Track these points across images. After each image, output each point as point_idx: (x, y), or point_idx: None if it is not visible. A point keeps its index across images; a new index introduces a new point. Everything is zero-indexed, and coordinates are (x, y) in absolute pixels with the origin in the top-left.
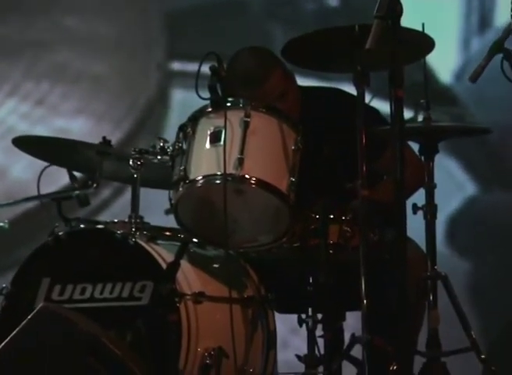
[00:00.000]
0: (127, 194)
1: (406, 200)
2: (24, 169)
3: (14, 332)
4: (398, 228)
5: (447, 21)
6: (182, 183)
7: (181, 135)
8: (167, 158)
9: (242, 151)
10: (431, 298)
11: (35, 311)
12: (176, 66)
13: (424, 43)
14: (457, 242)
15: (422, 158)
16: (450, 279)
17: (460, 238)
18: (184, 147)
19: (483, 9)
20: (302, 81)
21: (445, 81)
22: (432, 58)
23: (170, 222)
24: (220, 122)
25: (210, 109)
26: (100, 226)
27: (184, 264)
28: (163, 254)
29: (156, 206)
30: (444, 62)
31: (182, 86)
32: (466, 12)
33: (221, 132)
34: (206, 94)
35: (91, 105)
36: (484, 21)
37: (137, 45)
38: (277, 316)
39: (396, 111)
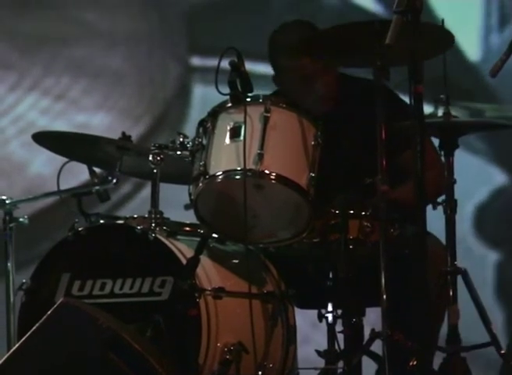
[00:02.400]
0: (147, 190)
1: (427, 204)
2: (44, 164)
3: (34, 327)
4: (418, 223)
5: (467, 17)
6: (202, 179)
7: (201, 130)
8: (187, 153)
9: (262, 147)
10: (451, 293)
11: (55, 306)
12: (196, 61)
13: (444, 38)
14: (486, 234)
15: (442, 153)
16: (478, 271)
17: (489, 230)
18: (204, 142)
19: (503, 7)
20: None
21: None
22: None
23: (190, 217)
24: (240, 117)
25: (230, 105)
26: (120, 222)
27: (204, 259)
28: (183, 249)
29: (176, 202)
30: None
31: (202, 81)
32: (486, 8)
33: (241, 127)
34: (226, 90)
35: (111, 100)
36: (504, 18)
37: (157, 40)
38: (298, 311)
39: (416, 106)
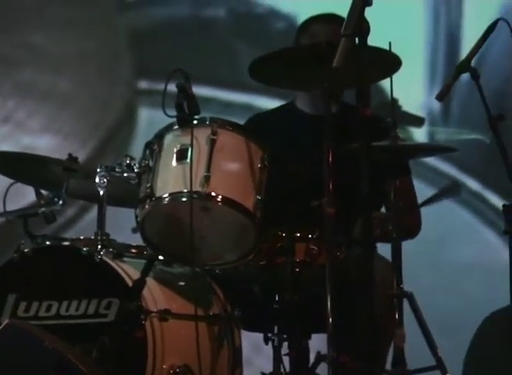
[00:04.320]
0: (94, 212)
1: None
2: None
3: None
4: (365, 246)
5: (414, 40)
6: (148, 201)
7: (147, 152)
8: (133, 175)
9: (208, 169)
10: (397, 316)
11: (1, 327)
12: (143, 84)
13: (391, 62)
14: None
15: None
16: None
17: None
18: (151, 164)
19: (450, 27)
20: (269, 100)
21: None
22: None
23: (137, 240)
24: (187, 139)
25: (176, 127)
26: (66, 243)
27: (150, 281)
28: (129, 271)
29: (122, 224)
30: (412, 82)
31: (149, 104)
32: (433, 30)
33: (187, 149)
34: (173, 112)
35: (58, 122)
36: (451, 39)
37: (104, 63)
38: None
39: (363, 129)
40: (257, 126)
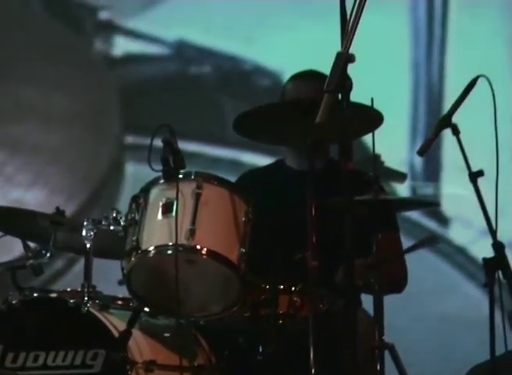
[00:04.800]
0: (82, 264)
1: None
2: None
3: None
4: (348, 298)
5: (396, 96)
6: (134, 253)
7: (134, 206)
8: (120, 228)
9: (193, 222)
10: (378, 367)
11: None
12: (130, 139)
13: (373, 117)
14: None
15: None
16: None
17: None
18: (137, 217)
19: (431, 84)
20: (255, 155)
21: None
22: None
23: (124, 292)
24: (172, 193)
25: (162, 181)
26: (53, 295)
27: (136, 333)
28: (115, 322)
29: (109, 276)
30: (394, 138)
31: (136, 159)
32: (414, 87)
33: (173, 203)
34: (159, 167)
35: (46, 176)
36: (432, 95)
37: (92, 119)
38: None
39: (345, 183)
40: (249, 183)
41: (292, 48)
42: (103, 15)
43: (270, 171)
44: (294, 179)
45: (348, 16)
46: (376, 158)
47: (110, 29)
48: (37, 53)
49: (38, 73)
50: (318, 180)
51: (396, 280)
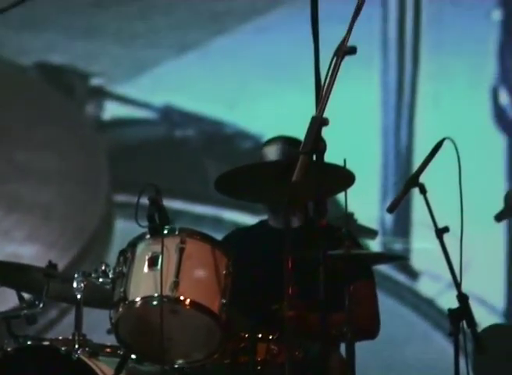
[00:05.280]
0: (73, 314)
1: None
2: None
3: None
4: (322, 345)
5: (368, 157)
6: (122, 304)
7: (121, 259)
8: (108, 280)
9: (177, 275)
10: None
11: None
12: (120, 197)
13: (345, 177)
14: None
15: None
16: None
17: None
18: (124, 270)
19: (400, 145)
20: (236, 213)
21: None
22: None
23: (112, 340)
24: (157, 248)
25: (148, 236)
26: (45, 343)
27: None
28: (104, 368)
29: (98, 325)
30: (366, 196)
31: (124, 216)
32: (384, 148)
33: (158, 257)
34: (145, 223)
35: (41, 232)
36: (401, 156)
37: (84, 178)
38: None
39: (321, 238)
40: (235, 240)
41: (272, 113)
42: (94, 81)
43: (254, 230)
44: (274, 236)
45: (322, 82)
46: (349, 215)
47: (101, 94)
48: (32, 117)
49: (32, 135)
50: (295, 237)
51: (368, 327)
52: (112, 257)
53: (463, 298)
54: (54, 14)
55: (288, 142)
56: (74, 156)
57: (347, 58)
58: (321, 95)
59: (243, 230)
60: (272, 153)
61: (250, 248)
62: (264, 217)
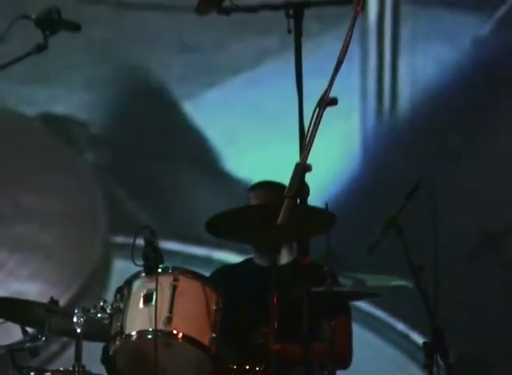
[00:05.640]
0: (74, 347)
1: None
2: None
3: None
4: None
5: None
6: (118, 338)
7: (118, 296)
8: (106, 315)
9: (171, 311)
10: None
11: None
12: (117, 239)
13: (327, 219)
14: None
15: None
16: None
17: None
18: (121, 306)
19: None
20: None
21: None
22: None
23: None
24: (152, 285)
25: (144, 274)
26: (47, 374)
27: None
28: None
29: (97, 357)
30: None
31: (122, 256)
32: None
33: (152, 294)
34: (141, 262)
35: (43, 271)
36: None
37: (84, 221)
38: None
39: (304, 276)
40: (221, 277)
41: (259, 161)
42: (94, 129)
43: (240, 267)
44: (260, 274)
45: (306, 132)
46: (332, 254)
47: (99, 141)
48: (36, 163)
49: (36, 180)
50: (281, 274)
51: (344, 358)
52: (111, 294)
53: (437, 331)
54: (55, 68)
55: (272, 187)
56: (74, 201)
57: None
58: (305, 144)
59: (229, 267)
60: (258, 197)
61: (236, 284)
62: (251, 255)
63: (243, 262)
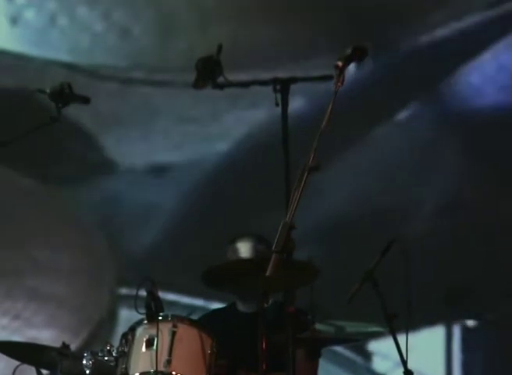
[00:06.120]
0: None
1: None
2: (2, 367)
3: None
4: None
5: None
6: None
7: (123, 341)
8: (112, 358)
9: (170, 354)
10: None
11: None
12: (123, 290)
13: (310, 272)
14: None
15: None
16: None
17: None
18: (125, 350)
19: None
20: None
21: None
22: None
23: None
24: (153, 331)
25: (146, 322)
26: None
27: None
28: None
29: None
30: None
31: (127, 305)
32: None
33: (154, 339)
34: (143, 310)
35: (56, 319)
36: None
37: (92, 274)
38: None
39: (289, 323)
40: (209, 320)
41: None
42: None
43: (224, 312)
44: (243, 319)
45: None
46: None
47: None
48: (47, 222)
49: (48, 237)
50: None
51: None
52: (116, 339)
53: (409, 373)
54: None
55: (258, 240)
56: (83, 256)
57: None
58: (290, 204)
59: (216, 312)
60: (244, 249)
61: (222, 329)
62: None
63: (226, 308)
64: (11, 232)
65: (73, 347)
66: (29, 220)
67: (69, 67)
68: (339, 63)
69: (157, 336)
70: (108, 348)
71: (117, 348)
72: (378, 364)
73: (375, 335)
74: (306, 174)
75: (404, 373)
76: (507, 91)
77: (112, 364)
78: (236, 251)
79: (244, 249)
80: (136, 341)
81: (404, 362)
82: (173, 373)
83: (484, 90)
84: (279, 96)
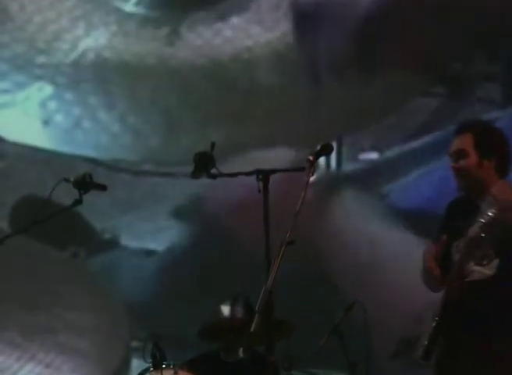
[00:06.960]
0: None
1: None
2: None
3: None
4: None
5: None
6: None
7: None
8: None
9: None
10: None
11: None
12: (134, 343)
13: (288, 328)
14: None
15: None
16: None
17: None
18: None
19: None
20: None
21: None
22: None
23: None
24: None
25: (152, 369)
26: None
27: None
28: None
29: None
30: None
31: (138, 356)
32: None
33: None
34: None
35: (81, 368)
36: None
37: (109, 332)
38: None
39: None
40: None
41: None
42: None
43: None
44: (224, 367)
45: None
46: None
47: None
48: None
49: (74, 299)
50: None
51: None
52: None
53: None
54: None
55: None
56: (104, 316)
57: None
58: (270, 272)
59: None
60: (227, 310)
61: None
62: None
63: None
64: (45, 297)
65: None
66: (60, 287)
67: (92, 161)
68: (311, 157)
69: None
70: None
71: None
72: None
73: None
74: (283, 247)
75: None
76: None
77: None
78: (219, 310)
79: (227, 310)
80: None
81: None
82: None
83: None
84: (261, 184)
